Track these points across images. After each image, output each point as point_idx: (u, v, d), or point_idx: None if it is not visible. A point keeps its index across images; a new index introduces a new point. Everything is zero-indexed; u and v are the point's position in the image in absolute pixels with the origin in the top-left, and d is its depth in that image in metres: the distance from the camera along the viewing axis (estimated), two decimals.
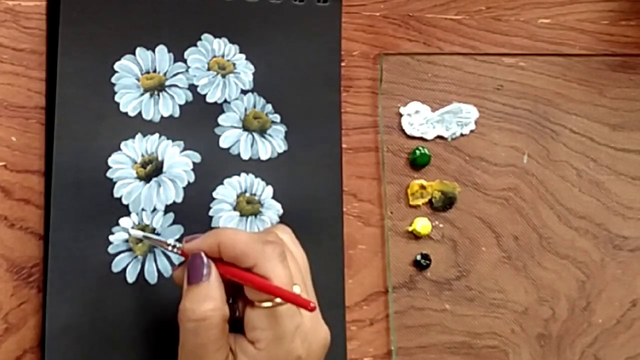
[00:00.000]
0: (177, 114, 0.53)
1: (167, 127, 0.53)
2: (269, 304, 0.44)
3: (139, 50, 0.54)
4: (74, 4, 0.52)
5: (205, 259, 0.45)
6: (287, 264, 0.45)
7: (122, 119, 0.52)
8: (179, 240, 0.49)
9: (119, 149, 0.52)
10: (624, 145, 0.62)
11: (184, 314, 0.45)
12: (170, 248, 0.48)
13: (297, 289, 0.45)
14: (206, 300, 0.44)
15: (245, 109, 0.55)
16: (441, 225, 0.58)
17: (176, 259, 0.52)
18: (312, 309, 0.42)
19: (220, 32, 0.55)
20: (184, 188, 0.53)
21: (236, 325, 0.46)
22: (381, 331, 0.56)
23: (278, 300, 0.44)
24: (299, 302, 0.43)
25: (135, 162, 0.52)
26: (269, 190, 0.54)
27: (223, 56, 0.55)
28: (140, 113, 0.53)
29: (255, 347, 0.44)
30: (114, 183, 0.52)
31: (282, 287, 0.43)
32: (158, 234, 0.52)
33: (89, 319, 0.50)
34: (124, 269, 0.51)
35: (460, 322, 0.58)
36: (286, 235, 0.49)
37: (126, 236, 0.51)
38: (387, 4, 0.59)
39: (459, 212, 0.58)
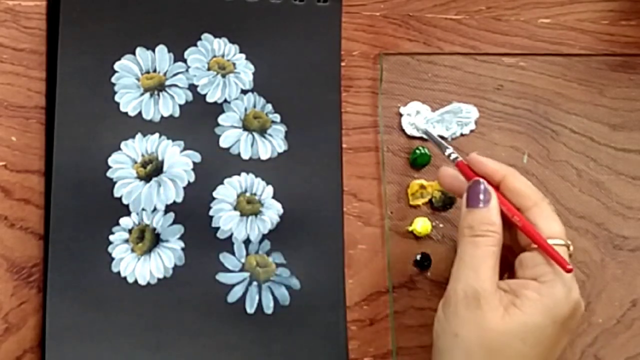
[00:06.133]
0: (177, 114, 0.53)
1: (167, 127, 0.53)
2: (554, 242, 0.48)
3: (139, 50, 0.54)
4: (74, 4, 0.53)
5: (485, 187, 0.49)
6: (559, 220, 0.49)
7: (122, 118, 0.52)
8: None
9: (119, 148, 0.52)
10: (624, 145, 0.62)
11: (465, 230, 0.49)
12: (447, 154, 0.52)
13: (569, 242, 0.48)
14: (487, 223, 0.48)
15: (245, 109, 0.55)
16: (441, 225, 0.58)
17: (177, 258, 0.52)
18: (569, 270, 0.46)
19: (220, 32, 0.55)
20: (184, 188, 0.53)
21: None
22: (381, 331, 0.56)
23: (553, 242, 0.47)
24: (559, 260, 0.46)
25: (136, 162, 0.52)
26: (269, 190, 0.54)
27: (223, 56, 0.55)
28: (140, 113, 0.53)
29: (539, 281, 0.47)
30: (114, 183, 0.52)
31: (554, 235, 0.48)
32: (158, 234, 0.52)
33: (89, 319, 0.50)
34: (124, 269, 0.51)
35: None
36: (550, 210, 0.50)
37: (126, 236, 0.51)
38: (387, 4, 0.59)
39: (459, 212, 0.58)
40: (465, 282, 0.47)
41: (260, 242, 0.53)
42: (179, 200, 0.52)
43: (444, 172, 0.53)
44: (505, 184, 0.50)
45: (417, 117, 0.57)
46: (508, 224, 0.49)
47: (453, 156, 0.52)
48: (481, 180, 0.49)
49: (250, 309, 0.52)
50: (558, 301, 0.47)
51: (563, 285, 0.47)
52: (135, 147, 0.52)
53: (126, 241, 0.51)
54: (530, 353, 0.46)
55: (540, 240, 0.48)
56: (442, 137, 0.58)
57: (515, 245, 0.50)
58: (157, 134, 0.53)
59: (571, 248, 0.49)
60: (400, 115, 0.58)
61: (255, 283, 0.53)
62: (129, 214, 0.52)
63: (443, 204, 0.58)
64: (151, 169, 0.53)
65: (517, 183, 0.50)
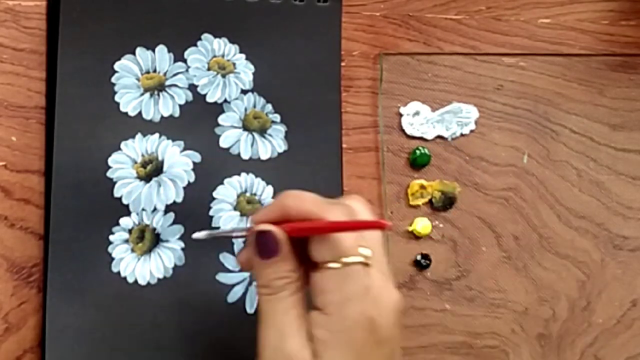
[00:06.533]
0: (177, 114, 0.53)
1: (167, 127, 0.53)
2: (335, 264, 0.42)
3: (139, 50, 0.54)
4: (74, 4, 0.52)
5: (272, 235, 0.44)
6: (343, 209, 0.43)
7: (122, 118, 0.52)
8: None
9: (119, 148, 0.52)
10: (624, 145, 0.62)
11: (260, 290, 0.44)
12: (238, 234, 0.49)
13: (366, 252, 0.43)
14: (281, 276, 0.43)
15: (245, 109, 0.55)
16: (441, 225, 0.58)
17: (177, 258, 0.52)
18: (388, 227, 0.41)
19: (220, 32, 0.55)
20: (184, 188, 0.53)
21: None
22: None
23: (345, 259, 0.42)
24: (372, 225, 0.42)
25: (136, 162, 0.52)
26: (269, 190, 0.54)
27: (223, 56, 0.55)
28: (140, 113, 0.53)
29: (324, 313, 0.42)
30: (114, 183, 0.52)
31: (343, 241, 0.42)
32: (158, 234, 0.52)
33: (89, 319, 0.50)
34: (124, 269, 0.51)
35: (461, 322, 0.58)
36: (358, 203, 0.46)
37: (126, 236, 0.51)
38: (387, 4, 0.59)
39: (459, 212, 0.58)
40: (273, 347, 0.43)
41: None
42: (179, 200, 0.52)
43: (242, 257, 0.47)
44: (289, 213, 0.44)
45: (416, 117, 0.57)
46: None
47: (244, 231, 0.48)
48: (265, 229, 0.44)
49: (250, 309, 0.52)
50: (349, 329, 0.42)
51: (350, 310, 0.42)
52: (135, 147, 0.52)
53: (126, 241, 0.51)
54: None
55: (348, 224, 0.43)
56: (442, 137, 0.59)
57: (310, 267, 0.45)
58: (157, 134, 0.53)
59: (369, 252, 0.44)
60: (400, 115, 0.58)
61: (255, 283, 0.53)
62: (129, 214, 0.52)
63: (443, 204, 0.58)
64: (151, 169, 0.53)
65: (295, 206, 0.44)
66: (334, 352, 0.42)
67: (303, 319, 0.43)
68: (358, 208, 0.45)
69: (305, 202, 0.44)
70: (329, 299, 0.42)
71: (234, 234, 0.49)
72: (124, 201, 0.52)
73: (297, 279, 0.44)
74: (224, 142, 0.54)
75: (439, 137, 0.59)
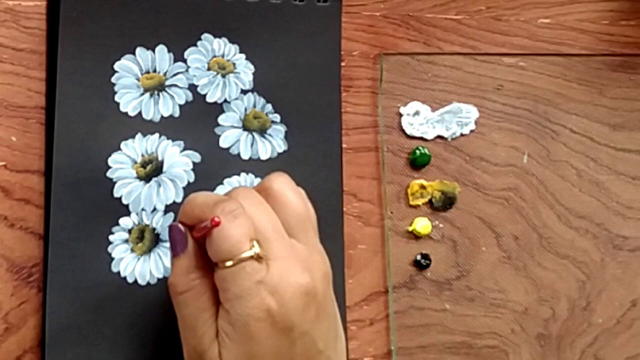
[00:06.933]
0: (177, 114, 0.54)
1: (167, 127, 0.53)
2: (230, 262, 0.43)
3: (139, 50, 0.54)
4: (74, 4, 0.52)
5: (179, 229, 0.46)
6: (239, 221, 0.43)
7: (122, 118, 0.52)
8: None
9: (119, 148, 0.52)
10: (624, 145, 0.62)
11: (171, 288, 0.45)
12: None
13: (256, 247, 0.44)
14: (188, 271, 0.45)
15: (245, 109, 0.55)
16: (441, 225, 0.58)
17: None
18: (215, 224, 0.43)
19: (220, 32, 0.55)
20: (184, 188, 0.53)
21: None
22: (381, 331, 0.56)
23: (237, 257, 0.43)
24: (208, 227, 0.43)
25: (135, 162, 0.52)
26: None
27: (223, 56, 0.55)
28: (140, 113, 0.53)
29: (224, 308, 0.44)
30: (114, 183, 0.52)
31: (228, 240, 0.43)
32: (158, 234, 0.52)
33: (89, 319, 0.50)
34: (124, 269, 0.51)
35: (460, 322, 0.58)
36: (277, 182, 0.47)
37: (126, 236, 0.51)
38: (387, 4, 0.59)
39: (459, 212, 0.58)
40: (189, 345, 0.45)
41: None
42: (179, 200, 0.52)
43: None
44: (187, 217, 0.46)
45: (416, 117, 0.57)
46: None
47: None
48: (176, 225, 0.46)
49: None
50: (244, 324, 0.43)
51: (243, 306, 0.43)
52: (135, 147, 0.52)
53: (126, 241, 0.51)
54: None
55: (200, 229, 0.44)
56: (442, 137, 0.59)
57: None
58: (157, 134, 0.53)
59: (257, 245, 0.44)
60: (400, 115, 0.58)
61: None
62: (128, 214, 0.52)
63: (443, 204, 0.58)
64: (151, 169, 0.53)
65: (189, 210, 0.46)
66: (234, 345, 0.43)
67: (214, 316, 0.45)
68: (279, 187, 0.46)
69: (195, 207, 0.45)
70: (226, 296, 0.44)
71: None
72: (124, 201, 0.52)
73: (203, 280, 0.45)
74: (224, 142, 0.54)
75: (439, 137, 0.59)
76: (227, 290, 0.44)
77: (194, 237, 0.45)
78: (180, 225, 0.46)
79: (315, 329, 0.45)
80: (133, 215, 0.52)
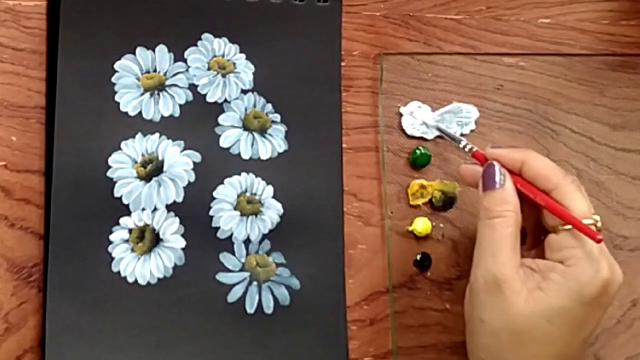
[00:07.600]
0: (177, 114, 0.54)
1: (167, 127, 0.53)
2: (570, 226, 0.47)
3: (139, 49, 0.54)
4: (74, 4, 0.53)
5: (499, 168, 0.50)
6: (585, 194, 0.49)
7: (122, 118, 0.52)
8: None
9: (119, 148, 0.52)
10: (624, 145, 0.62)
11: (482, 212, 0.49)
12: (462, 146, 0.54)
13: (596, 217, 0.48)
14: (502, 203, 0.49)
15: (246, 109, 0.55)
16: (441, 225, 0.58)
17: (177, 258, 0.52)
18: (598, 241, 0.46)
19: (221, 32, 0.55)
20: (185, 187, 0.53)
21: None
22: (381, 331, 0.56)
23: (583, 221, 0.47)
24: (588, 233, 0.47)
25: (136, 162, 0.52)
26: (270, 189, 0.54)
27: (223, 56, 0.55)
28: (140, 113, 0.53)
29: (565, 264, 0.47)
30: (114, 183, 0.52)
31: (578, 215, 0.47)
32: (158, 234, 0.52)
33: (89, 319, 0.50)
34: (124, 269, 0.51)
35: (461, 322, 0.58)
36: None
37: (126, 235, 0.51)
38: (387, 4, 0.59)
39: (459, 211, 0.58)
40: (484, 268, 0.48)
41: (261, 242, 0.53)
42: (179, 200, 0.52)
43: (465, 170, 0.53)
44: (525, 169, 0.50)
45: (423, 114, 0.57)
46: (535, 206, 0.50)
47: (468, 147, 0.53)
48: (494, 162, 0.50)
49: (250, 309, 0.52)
50: (585, 283, 0.47)
51: (590, 267, 0.47)
52: (136, 147, 0.52)
53: (126, 241, 0.51)
54: (557, 332, 0.47)
55: (565, 215, 0.48)
56: (442, 137, 0.58)
57: (544, 226, 0.51)
58: (157, 134, 0.53)
59: (599, 224, 0.48)
60: (400, 115, 0.58)
61: (255, 283, 0.53)
62: (129, 213, 0.52)
63: (443, 204, 0.58)
64: (151, 169, 0.53)
65: (535, 166, 0.50)
66: (561, 294, 0.47)
67: (516, 250, 0.48)
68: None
69: (544, 166, 0.50)
70: (570, 253, 0.47)
71: (462, 144, 0.54)
72: (124, 201, 0.52)
73: (515, 215, 0.48)
74: (224, 142, 0.54)
75: (439, 137, 0.59)
76: (573, 248, 0.47)
77: (515, 183, 0.49)
78: (498, 165, 0.50)
79: (603, 315, 0.49)
80: (133, 215, 0.52)
